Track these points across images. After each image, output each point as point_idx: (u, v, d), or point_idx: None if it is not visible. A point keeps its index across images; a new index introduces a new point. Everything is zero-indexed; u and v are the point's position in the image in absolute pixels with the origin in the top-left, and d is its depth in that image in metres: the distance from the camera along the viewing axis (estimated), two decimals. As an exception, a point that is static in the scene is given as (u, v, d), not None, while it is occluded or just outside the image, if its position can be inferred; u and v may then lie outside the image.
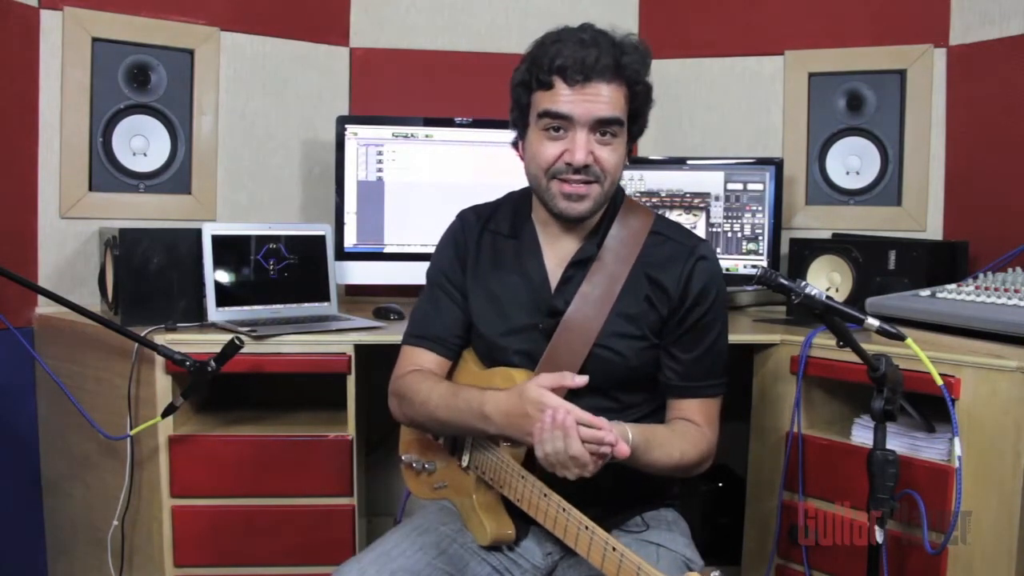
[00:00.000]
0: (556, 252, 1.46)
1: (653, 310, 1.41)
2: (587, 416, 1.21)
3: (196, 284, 2.00)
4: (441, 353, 1.50)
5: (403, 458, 1.60)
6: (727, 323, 1.46)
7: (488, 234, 1.51)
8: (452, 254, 1.52)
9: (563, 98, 1.34)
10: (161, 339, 1.81)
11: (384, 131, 2.32)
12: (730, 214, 2.34)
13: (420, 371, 1.47)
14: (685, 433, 1.39)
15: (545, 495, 1.28)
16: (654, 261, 1.42)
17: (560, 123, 1.35)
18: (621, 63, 1.35)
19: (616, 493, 1.43)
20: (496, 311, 1.47)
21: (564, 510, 1.24)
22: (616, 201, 1.47)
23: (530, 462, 1.35)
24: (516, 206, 1.52)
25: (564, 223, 1.43)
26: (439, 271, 1.53)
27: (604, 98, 1.34)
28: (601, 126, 1.35)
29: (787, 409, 1.90)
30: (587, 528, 1.20)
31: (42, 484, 2.18)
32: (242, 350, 1.76)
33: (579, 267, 1.43)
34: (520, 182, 1.50)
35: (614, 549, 1.16)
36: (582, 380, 1.28)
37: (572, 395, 1.34)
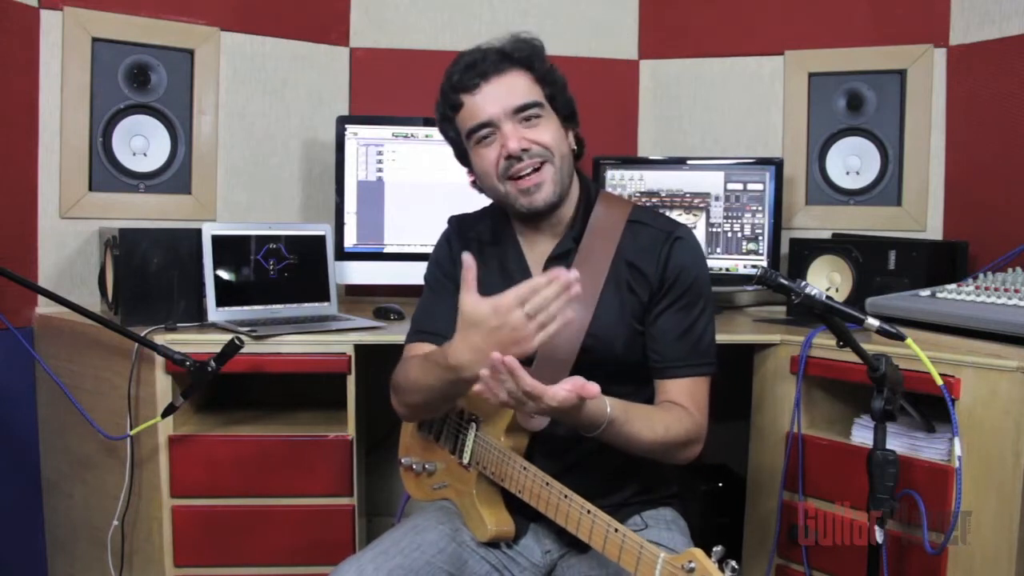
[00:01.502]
0: (536, 252, 1.49)
1: (635, 297, 1.43)
2: (540, 279, 1.19)
3: (196, 284, 2.00)
4: (441, 344, 1.50)
5: (403, 461, 1.60)
6: (711, 303, 1.46)
7: (473, 243, 1.54)
8: (447, 253, 1.56)
9: (475, 107, 1.40)
10: (161, 339, 1.82)
11: (384, 131, 2.32)
12: (730, 214, 2.34)
13: (411, 357, 1.49)
14: (670, 409, 1.39)
15: (547, 484, 1.29)
16: (633, 249, 1.44)
17: (485, 130, 1.40)
18: (507, 52, 1.41)
19: (615, 491, 1.44)
20: None
21: (566, 496, 1.26)
22: (591, 196, 1.49)
23: (530, 454, 1.36)
24: (495, 215, 1.55)
25: (538, 222, 1.46)
26: (436, 268, 1.57)
27: (509, 87, 1.40)
28: (520, 113, 1.39)
29: (787, 409, 1.90)
30: (589, 512, 1.22)
31: (42, 484, 2.18)
32: (242, 350, 1.76)
33: (559, 262, 1.45)
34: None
35: (616, 530, 1.17)
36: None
37: None
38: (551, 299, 1.18)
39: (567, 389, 1.19)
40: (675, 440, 1.36)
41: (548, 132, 1.41)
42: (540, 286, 1.18)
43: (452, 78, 1.42)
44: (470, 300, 1.23)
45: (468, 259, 1.24)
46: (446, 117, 1.46)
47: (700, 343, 1.43)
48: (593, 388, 1.20)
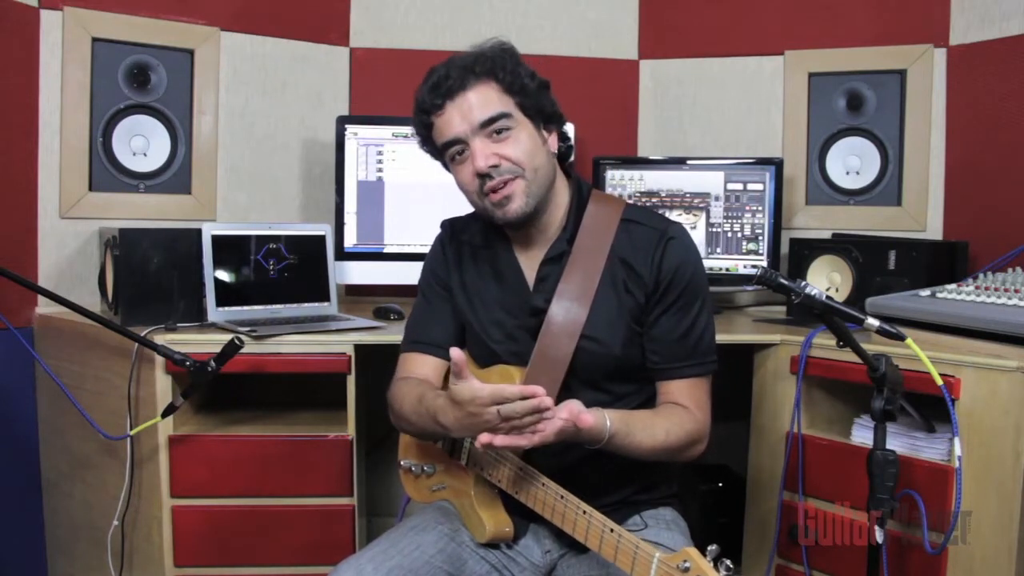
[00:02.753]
0: (530, 254, 1.48)
1: (630, 297, 1.42)
2: (515, 389, 1.19)
3: (196, 284, 2.00)
4: (437, 355, 1.51)
5: (402, 463, 1.61)
6: (709, 300, 1.46)
7: (465, 246, 1.54)
8: (441, 260, 1.56)
9: (443, 126, 1.40)
10: (161, 339, 1.82)
11: (384, 131, 2.32)
12: (730, 214, 2.34)
13: (406, 379, 1.49)
14: (670, 413, 1.39)
15: (543, 484, 1.29)
16: (627, 248, 1.44)
17: (457, 147, 1.40)
18: (468, 66, 1.39)
19: (614, 491, 1.44)
20: (482, 318, 1.49)
21: (562, 497, 1.26)
22: (583, 196, 1.48)
23: (528, 455, 1.36)
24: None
25: (526, 228, 1.45)
26: (430, 276, 1.56)
27: (474, 101, 1.38)
28: (487, 127, 1.38)
29: (787, 409, 1.90)
30: (585, 512, 1.23)
31: (42, 484, 2.18)
32: (242, 350, 1.76)
33: (553, 264, 1.45)
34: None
35: (612, 530, 1.18)
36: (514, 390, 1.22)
37: (565, 389, 1.38)
38: (520, 414, 1.18)
39: (563, 418, 1.21)
40: (677, 443, 1.36)
41: (519, 145, 1.39)
42: (514, 395, 1.18)
43: (420, 99, 1.41)
44: (459, 383, 1.23)
45: (456, 354, 1.22)
46: (421, 136, 1.46)
47: (700, 343, 1.43)
48: (587, 419, 1.21)
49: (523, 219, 1.41)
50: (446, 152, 1.42)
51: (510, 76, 1.40)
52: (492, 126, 1.37)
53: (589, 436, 1.26)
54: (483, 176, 1.38)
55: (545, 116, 1.44)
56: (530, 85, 1.41)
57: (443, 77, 1.38)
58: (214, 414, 2.05)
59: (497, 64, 1.39)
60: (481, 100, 1.38)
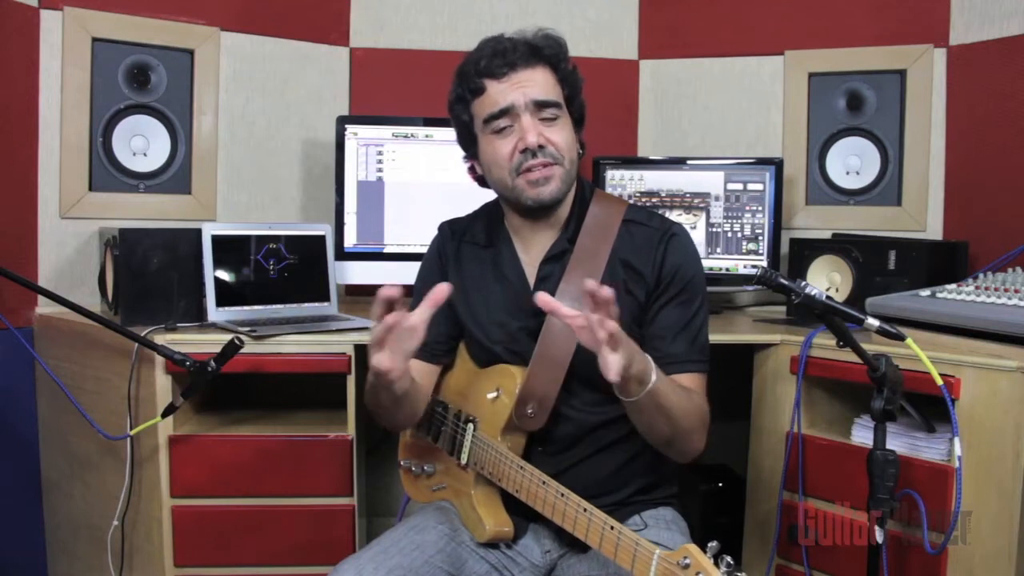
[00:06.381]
0: (531, 253, 1.48)
1: (631, 298, 1.42)
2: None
3: (196, 284, 2.00)
4: (425, 359, 1.52)
5: (402, 463, 1.61)
6: (707, 301, 1.46)
7: (466, 246, 1.54)
8: (436, 265, 1.56)
9: (498, 93, 1.39)
10: (161, 339, 1.82)
11: (384, 131, 2.32)
12: (730, 214, 2.33)
13: None
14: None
15: (544, 483, 1.30)
16: (629, 249, 1.44)
17: (504, 120, 1.39)
18: (537, 46, 1.41)
19: (614, 491, 1.44)
20: (482, 319, 1.49)
21: (563, 495, 1.26)
22: (585, 195, 1.49)
23: (529, 454, 1.37)
24: (489, 216, 1.55)
25: (535, 221, 1.46)
26: (423, 281, 1.56)
27: (535, 82, 1.40)
28: (541, 109, 1.39)
29: (787, 409, 1.90)
30: (585, 510, 1.23)
31: (42, 484, 2.18)
32: (242, 350, 1.76)
33: (555, 263, 1.45)
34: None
35: (612, 528, 1.18)
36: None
37: (565, 390, 1.38)
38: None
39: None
40: (699, 417, 1.34)
41: (563, 134, 1.41)
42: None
43: (479, 63, 1.40)
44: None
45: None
46: (462, 99, 1.44)
47: (698, 339, 1.43)
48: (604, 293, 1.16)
49: (551, 204, 1.42)
50: (489, 123, 1.40)
51: (568, 70, 1.43)
52: (545, 110, 1.39)
53: (639, 367, 1.21)
54: (525, 152, 1.38)
55: (579, 116, 1.47)
56: (579, 84, 1.45)
57: (509, 48, 1.39)
58: (214, 414, 2.05)
59: (561, 54, 1.43)
60: (541, 81, 1.40)
